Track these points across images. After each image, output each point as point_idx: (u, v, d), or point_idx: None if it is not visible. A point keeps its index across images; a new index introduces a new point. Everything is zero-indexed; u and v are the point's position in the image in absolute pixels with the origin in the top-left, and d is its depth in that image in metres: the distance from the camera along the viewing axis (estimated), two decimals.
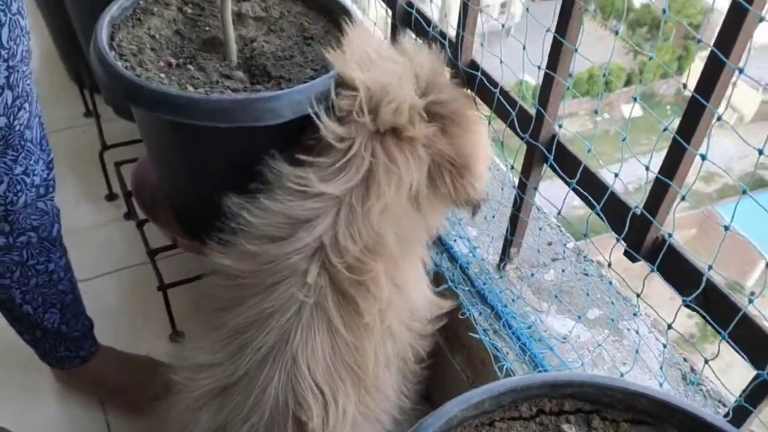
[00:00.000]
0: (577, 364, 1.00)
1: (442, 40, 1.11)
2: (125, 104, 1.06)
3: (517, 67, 0.98)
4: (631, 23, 16.07)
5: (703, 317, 0.75)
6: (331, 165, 0.92)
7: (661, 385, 0.93)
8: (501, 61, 0.98)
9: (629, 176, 0.91)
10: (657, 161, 0.78)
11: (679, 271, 0.79)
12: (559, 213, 1.08)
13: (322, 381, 0.84)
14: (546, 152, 0.92)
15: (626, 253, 0.83)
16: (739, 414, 0.74)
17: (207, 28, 1.20)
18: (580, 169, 0.87)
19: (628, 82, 16.72)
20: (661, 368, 0.97)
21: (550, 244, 1.19)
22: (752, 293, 0.85)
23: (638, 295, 0.87)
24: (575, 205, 1.07)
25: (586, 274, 1.14)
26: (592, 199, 0.86)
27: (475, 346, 1.06)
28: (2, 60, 0.77)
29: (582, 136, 0.99)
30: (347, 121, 0.93)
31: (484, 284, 1.10)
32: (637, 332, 1.03)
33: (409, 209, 0.92)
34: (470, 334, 1.02)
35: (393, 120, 0.91)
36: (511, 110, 0.97)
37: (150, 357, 1.27)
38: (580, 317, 1.04)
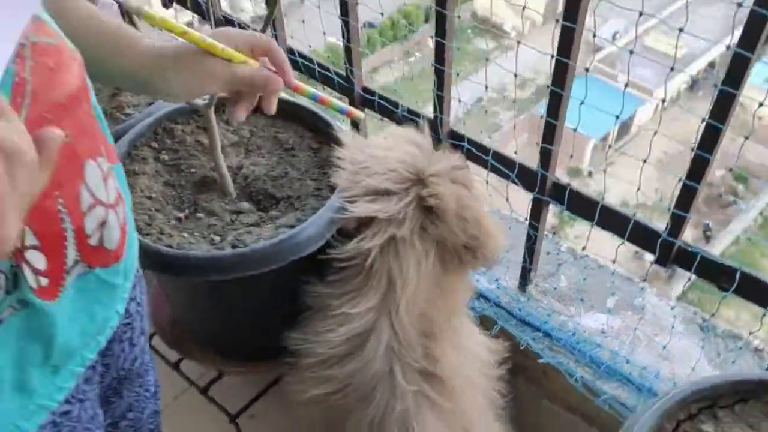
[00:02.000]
0: (621, 350, 1.19)
1: None
2: (167, 277, 1.09)
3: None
4: None
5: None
6: (353, 279, 1.03)
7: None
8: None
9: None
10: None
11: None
12: (554, 234, 1.25)
13: None
14: (558, 204, 1.09)
15: (658, 262, 1.02)
16: None
17: (192, 170, 1.24)
18: (598, 209, 1.05)
19: (427, 18, 17.54)
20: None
21: (548, 253, 1.37)
22: (589, 172, 1.09)
23: (644, 280, 1.07)
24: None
25: (588, 269, 1.34)
26: (618, 235, 1.04)
27: (541, 369, 1.22)
28: (138, 314, 0.80)
29: (402, 79, 1.19)
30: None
31: (520, 311, 1.26)
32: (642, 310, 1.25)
33: (436, 286, 1.04)
34: (538, 361, 1.18)
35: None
36: (509, 172, 1.12)
37: None
38: (610, 310, 1.23)
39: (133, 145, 1.24)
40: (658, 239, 0.99)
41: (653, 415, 0.81)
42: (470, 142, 1.17)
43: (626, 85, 1.13)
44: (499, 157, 1.13)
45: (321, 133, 1.29)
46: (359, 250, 1.01)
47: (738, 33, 0.79)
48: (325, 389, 1.02)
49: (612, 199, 1.05)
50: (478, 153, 1.15)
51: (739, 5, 0.80)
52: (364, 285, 1.02)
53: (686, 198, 0.92)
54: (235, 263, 1.04)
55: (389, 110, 1.28)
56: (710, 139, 0.86)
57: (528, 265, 1.25)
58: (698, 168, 0.89)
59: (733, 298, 0.97)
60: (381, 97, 1.28)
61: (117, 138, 1.23)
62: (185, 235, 1.12)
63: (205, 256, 1.04)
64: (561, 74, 0.96)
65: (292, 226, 1.09)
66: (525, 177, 1.11)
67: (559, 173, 1.11)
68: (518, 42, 1.07)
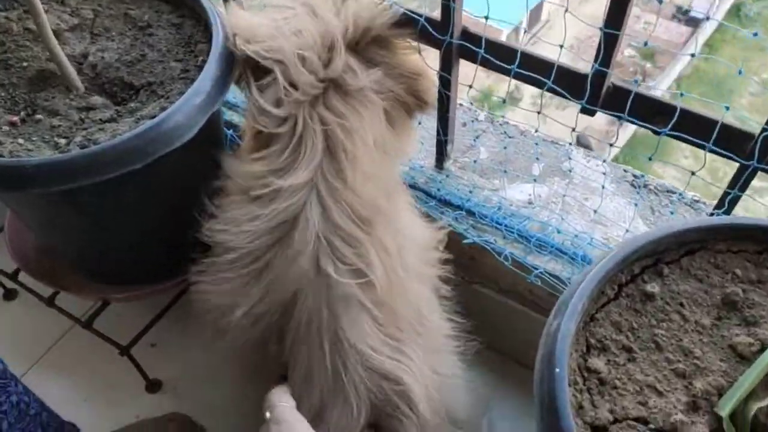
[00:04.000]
0: (552, 220, 1.08)
1: None
2: (7, 193, 0.88)
3: None
4: None
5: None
6: (284, 151, 0.85)
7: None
8: None
9: None
10: None
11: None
12: (470, 86, 1.09)
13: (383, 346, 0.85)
14: (474, 47, 0.93)
15: (585, 110, 0.88)
16: (732, 203, 0.87)
17: (24, 63, 1.00)
18: (518, 55, 0.89)
19: None
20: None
21: (464, 124, 1.22)
22: None
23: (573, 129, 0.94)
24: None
25: (509, 136, 1.20)
26: (541, 77, 0.89)
27: (467, 252, 1.10)
28: None
29: None
30: (278, 101, 0.85)
31: (439, 190, 1.12)
32: (569, 173, 1.13)
33: (383, 155, 0.89)
34: (463, 242, 1.05)
35: (329, 74, 0.84)
36: (418, 17, 0.95)
37: (148, 419, 1.18)
38: (535, 180, 1.11)
39: None
40: (586, 80, 0.85)
41: (591, 281, 0.70)
42: None
43: None
44: (403, 8, 0.95)
45: (182, 6, 1.06)
46: (285, 109, 0.83)
47: None
48: (242, 296, 0.86)
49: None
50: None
51: None
52: (294, 158, 0.84)
53: (617, 13, 0.78)
54: (87, 166, 0.84)
55: None
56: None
57: (443, 137, 1.10)
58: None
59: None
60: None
61: None
62: (21, 141, 0.90)
63: (45, 161, 0.83)
64: None
65: (155, 117, 0.89)
66: (431, 26, 0.94)
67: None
68: None
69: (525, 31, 14.33)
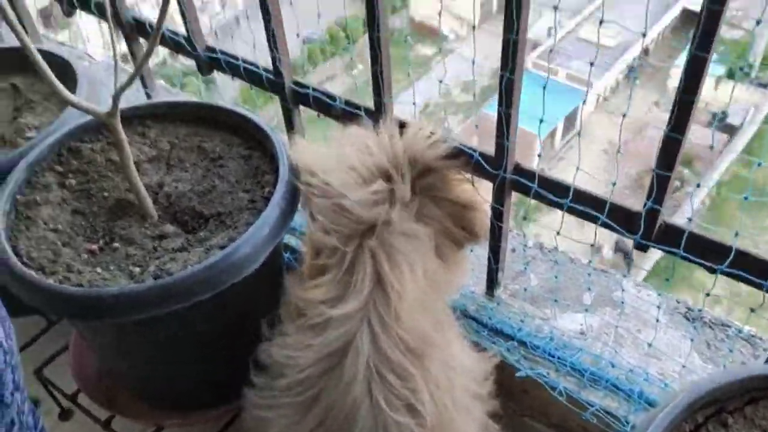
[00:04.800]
0: (605, 353, 1.08)
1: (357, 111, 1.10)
2: (85, 322, 0.93)
3: None
4: None
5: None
6: (336, 281, 0.88)
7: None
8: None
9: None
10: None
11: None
12: (525, 218, 1.13)
13: None
14: (527, 182, 0.97)
15: (639, 246, 0.90)
16: None
17: (104, 193, 1.07)
18: (571, 191, 0.93)
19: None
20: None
21: (513, 250, 1.25)
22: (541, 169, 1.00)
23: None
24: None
25: (556, 263, 1.22)
26: (594, 212, 0.92)
27: (519, 383, 1.10)
28: (7, 365, 0.64)
29: (346, 92, 1.10)
30: (331, 231, 0.90)
31: (491, 319, 1.14)
32: (621, 303, 1.14)
33: (432, 287, 0.92)
34: (516, 375, 1.06)
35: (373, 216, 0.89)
36: (472, 152, 1.00)
37: None
38: (587, 309, 1.12)
39: (33, 171, 1.07)
40: (638, 218, 0.88)
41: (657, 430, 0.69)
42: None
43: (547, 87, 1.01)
44: (454, 147, 1.00)
45: (250, 139, 1.14)
46: (328, 243, 0.87)
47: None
48: (298, 420, 0.87)
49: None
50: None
51: None
52: (346, 287, 0.87)
53: (668, 155, 0.82)
54: (159, 297, 0.89)
55: (326, 104, 1.14)
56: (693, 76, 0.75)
57: (494, 265, 1.12)
58: (682, 113, 0.78)
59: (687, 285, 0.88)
60: (315, 89, 1.15)
61: (15, 165, 1.07)
62: (99, 270, 0.95)
63: (120, 292, 0.88)
64: (510, 60, 0.85)
65: (224, 247, 0.94)
66: (485, 161, 0.99)
67: None
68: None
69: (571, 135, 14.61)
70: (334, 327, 0.86)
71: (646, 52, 16.10)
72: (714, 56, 0.74)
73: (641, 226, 0.90)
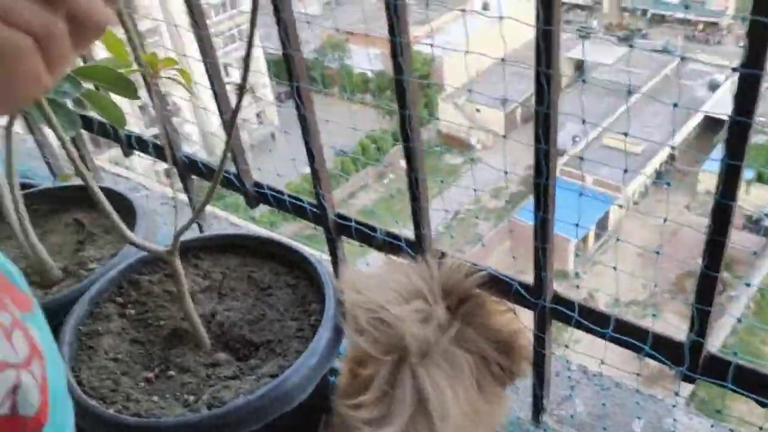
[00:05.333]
0: None
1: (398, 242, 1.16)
2: None
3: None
4: (373, 91, 17.88)
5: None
6: (377, 400, 0.90)
7: None
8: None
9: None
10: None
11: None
12: (566, 347, 1.15)
13: None
14: (567, 311, 0.99)
15: (685, 378, 0.91)
16: None
17: (161, 322, 1.13)
18: (612, 321, 0.95)
19: (396, 141, 18.35)
20: None
21: (557, 374, 1.25)
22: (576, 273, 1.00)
23: (676, 393, 0.96)
24: None
25: (604, 389, 1.22)
26: (636, 342, 0.94)
27: None
28: None
29: (379, 200, 1.13)
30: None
31: None
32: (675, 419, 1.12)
33: (473, 419, 0.92)
34: None
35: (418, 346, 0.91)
36: (511, 281, 1.03)
37: None
38: None
39: (95, 303, 1.14)
40: (681, 348, 0.89)
41: None
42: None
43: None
44: (492, 276, 1.04)
45: (297, 268, 1.20)
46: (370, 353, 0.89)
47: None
48: None
49: (603, 298, 0.99)
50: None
51: (675, 105, 0.93)
52: (387, 408, 0.87)
53: (706, 288, 0.84)
54: (213, 427, 0.92)
55: (367, 235, 1.20)
56: (722, 215, 0.78)
57: (539, 392, 1.13)
58: (714, 252, 0.81)
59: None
60: (357, 222, 1.21)
61: (78, 298, 1.13)
62: (155, 398, 0.99)
63: (176, 423, 0.91)
64: (542, 166, 0.90)
65: (274, 375, 0.98)
66: (524, 290, 1.03)
67: None
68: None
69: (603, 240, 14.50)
70: None
71: (672, 157, 16.30)
72: None
73: (686, 358, 0.91)
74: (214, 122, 1.15)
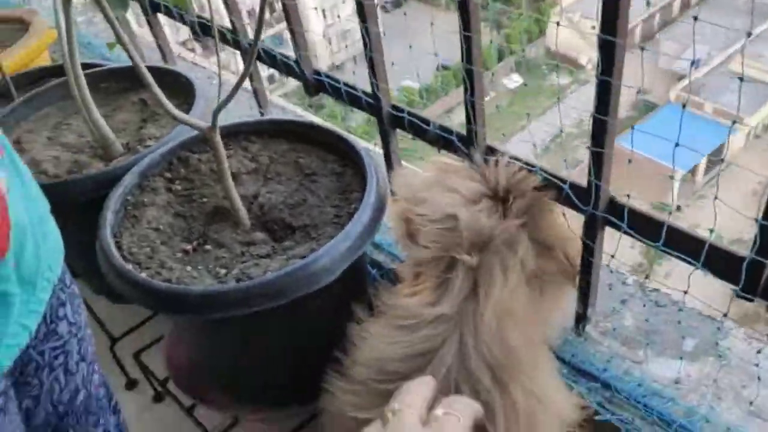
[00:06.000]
0: (701, 405, 0.98)
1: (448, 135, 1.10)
2: (170, 315, 0.99)
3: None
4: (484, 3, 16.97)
5: None
6: (435, 289, 0.88)
7: None
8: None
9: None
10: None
11: None
12: (612, 256, 1.05)
13: None
14: (617, 220, 0.92)
15: (741, 296, 0.82)
16: None
17: (204, 199, 1.14)
18: (664, 229, 0.86)
19: (500, 57, 17.53)
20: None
21: (610, 287, 1.18)
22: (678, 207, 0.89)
23: (725, 315, 0.88)
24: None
25: (659, 305, 1.14)
26: (689, 258, 0.85)
27: (599, 428, 1.03)
28: (73, 336, 0.70)
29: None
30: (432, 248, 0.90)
31: (574, 356, 1.07)
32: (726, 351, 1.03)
33: (526, 306, 0.88)
34: (596, 419, 0.99)
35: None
36: (562, 184, 0.96)
37: None
38: (681, 358, 1.03)
39: (144, 176, 1.17)
40: (741, 263, 0.80)
41: None
42: (513, 158, 1.01)
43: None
44: (546, 173, 0.97)
45: (345, 157, 1.17)
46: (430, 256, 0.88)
47: None
48: (375, 406, 0.86)
49: (704, 234, 0.91)
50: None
51: None
52: (442, 293, 0.87)
53: None
54: (238, 299, 0.93)
55: (420, 128, 1.15)
56: None
57: (584, 300, 1.06)
58: None
59: None
60: (410, 114, 1.15)
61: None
62: (188, 269, 1.02)
63: (201, 291, 0.93)
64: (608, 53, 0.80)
65: (304, 257, 0.97)
66: (576, 194, 0.95)
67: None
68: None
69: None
70: (426, 328, 0.85)
71: None
72: None
73: (743, 277, 0.81)
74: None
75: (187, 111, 1.28)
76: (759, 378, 0.93)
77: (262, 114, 1.58)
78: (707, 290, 0.90)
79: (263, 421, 1.19)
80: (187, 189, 1.16)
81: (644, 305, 1.13)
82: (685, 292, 0.96)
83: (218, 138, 1.02)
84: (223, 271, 1.00)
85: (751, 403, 0.94)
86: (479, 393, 0.80)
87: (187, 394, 1.19)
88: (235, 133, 1.23)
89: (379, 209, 1.04)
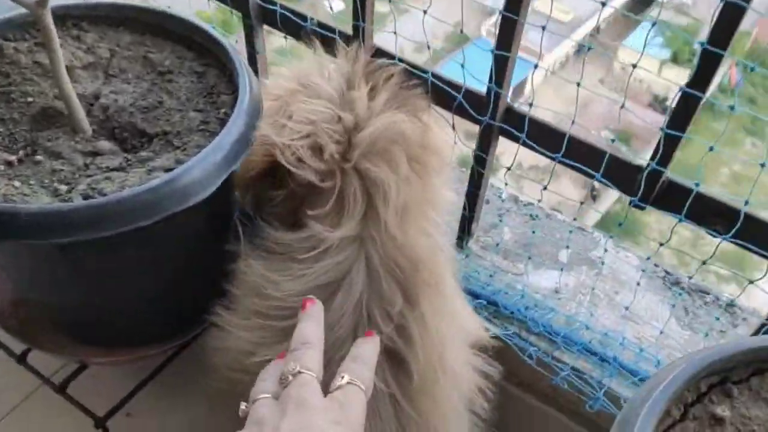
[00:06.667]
0: (579, 314, 1.01)
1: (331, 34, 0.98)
2: None
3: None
4: None
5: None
6: (328, 208, 0.78)
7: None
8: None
9: None
10: None
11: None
12: (509, 169, 1.02)
13: None
14: (513, 130, 0.87)
15: (636, 206, 0.83)
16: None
17: (28, 99, 0.91)
18: (566, 139, 0.84)
19: None
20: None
21: (487, 201, 1.16)
22: None
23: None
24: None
25: (533, 218, 1.15)
26: (587, 168, 0.83)
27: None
28: None
29: None
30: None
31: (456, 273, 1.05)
32: (602, 262, 1.07)
33: (416, 194, 0.81)
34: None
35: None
36: (456, 93, 0.89)
37: None
38: (562, 269, 1.05)
39: None
40: (640, 172, 0.80)
41: (658, 401, 0.62)
42: (402, 60, 0.92)
43: None
44: (440, 79, 0.89)
45: (207, 54, 1.00)
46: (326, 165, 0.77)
47: None
48: (274, 342, 0.75)
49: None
50: (413, 74, 0.91)
51: None
52: (340, 214, 0.77)
53: (685, 110, 0.73)
54: (89, 220, 0.75)
55: (295, 24, 1.01)
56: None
57: (469, 214, 1.03)
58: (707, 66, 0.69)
59: None
60: (284, 7, 1.01)
61: None
62: (17, 183, 0.81)
63: (42, 210, 0.74)
64: None
65: (169, 170, 0.81)
66: (473, 101, 0.89)
67: None
68: None
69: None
70: (330, 256, 0.75)
71: (597, 30, 16.24)
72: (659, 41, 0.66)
73: (641, 186, 0.81)
74: None
75: None
76: (638, 284, 0.97)
77: None
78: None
79: (116, 364, 1.03)
80: (3, 86, 0.92)
81: (522, 220, 1.13)
82: (539, 201, 0.96)
83: (50, 19, 0.81)
84: (64, 187, 0.81)
85: (626, 308, 0.98)
86: (392, 317, 0.73)
87: (17, 337, 0.98)
88: (62, 17, 0.99)
89: (254, 116, 0.90)
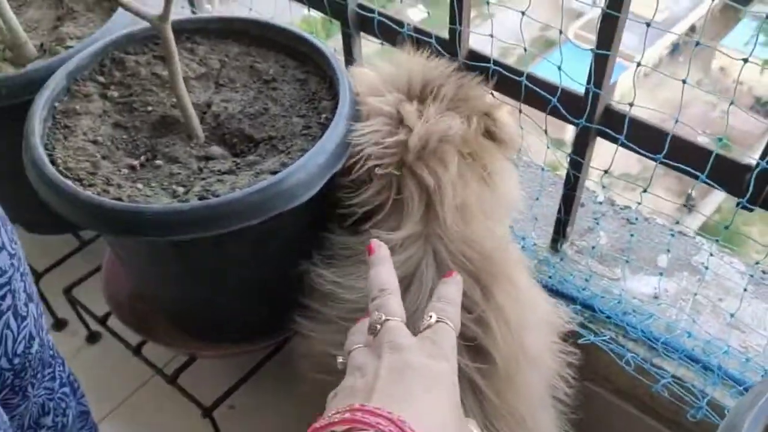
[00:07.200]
0: (681, 320, 0.98)
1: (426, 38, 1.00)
2: (123, 239, 0.86)
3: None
4: None
5: None
6: (382, 216, 0.83)
7: None
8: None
9: None
10: None
11: None
12: (606, 171, 1.01)
13: None
14: (611, 131, 0.86)
15: (744, 207, 0.80)
16: None
17: (148, 108, 0.99)
18: (668, 140, 0.82)
19: None
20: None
21: (582, 205, 1.15)
22: None
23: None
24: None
25: (630, 221, 1.12)
26: (691, 169, 0.81)
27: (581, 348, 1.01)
28: (16, 270, 0.56)
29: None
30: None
31: (550, 278, 1.04)
32: (706, 267, 1.03)
33: (480, 194, 0.84)
34: (579, 341, 0.96)
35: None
36: (550, 96, 0.89)
37: None
38: (662, 274, 1.02)
39: (74, 79, 0.99)
40: (749, 173, 0.77)
41: (764, 410, 0.60)
42: (497, 63, 0.93)
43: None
44: (536, 81, 0.90)
45: (308, 62, 1.05)
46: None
47: None
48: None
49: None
50: (507, 77, 0.92)
51: None
52: (400, 213, 0.82)
53: None
54: (204, 218, 0.81)
55: (392, 31, 1.04)
56: None
57: (564, 217, 1.02)
58: None
59: None
60: (381, 14, 1.04)
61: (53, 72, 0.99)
62: (140, 186, 0.88)
63: (165, 209, 0.81)
64: None
65: (275, 172, 0.86)
66: (569, 103, 0.89)
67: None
68: None
69: None
70: (397, 253, 0.78)
71: (692, 29, 15.53)
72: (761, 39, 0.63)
73: (750, 188, 0.79)
74: None
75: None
76: (745, 290, 0.93)
77: (194, 12, 1.41)
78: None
79: (223, 357, 1.09)
80: (125, 96, 1.00)
81: (618, 224, 1.11)
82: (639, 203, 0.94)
83: (170, 32, 0.87)
84: (182, 189, 0.87)
85: (732, 315, 0.94)
86: (469, 308, 0.75)
87: (133, 330, 1.06)
88: (176, 32, 1.06)
89: (353, 120, 0.94)
